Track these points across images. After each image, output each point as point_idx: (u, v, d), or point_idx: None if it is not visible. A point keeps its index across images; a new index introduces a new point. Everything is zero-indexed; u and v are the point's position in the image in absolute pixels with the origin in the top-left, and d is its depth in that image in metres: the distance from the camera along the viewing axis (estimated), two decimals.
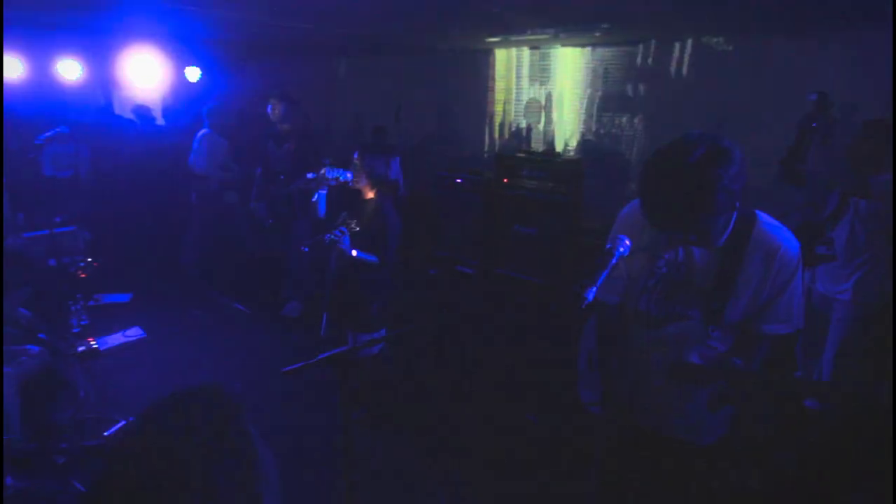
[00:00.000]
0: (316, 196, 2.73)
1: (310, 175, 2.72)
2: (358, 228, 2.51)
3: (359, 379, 2.96)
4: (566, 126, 5.20)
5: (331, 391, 3.00)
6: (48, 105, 5.47)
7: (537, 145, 5.14)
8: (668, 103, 4.66)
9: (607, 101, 5.06)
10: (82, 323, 3.70)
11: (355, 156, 2.54)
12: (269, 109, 3.91)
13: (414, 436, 2.81)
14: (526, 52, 5.51)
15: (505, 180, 4.94)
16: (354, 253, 2.41)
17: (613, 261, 1.14)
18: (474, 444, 2.74)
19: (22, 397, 2.47)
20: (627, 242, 1.19)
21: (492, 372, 3.44)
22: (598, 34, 4.01)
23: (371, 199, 2.56)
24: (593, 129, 5.20)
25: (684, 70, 4.50)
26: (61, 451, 2.51)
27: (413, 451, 2.70)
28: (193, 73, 5.43)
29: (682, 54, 4.49)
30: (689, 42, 4.40)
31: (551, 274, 4.69)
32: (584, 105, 5.19)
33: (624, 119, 5.00)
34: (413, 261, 5.32)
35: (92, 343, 3.47)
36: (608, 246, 1.18)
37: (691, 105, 4.52)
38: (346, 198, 2.65)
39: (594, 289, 1.07)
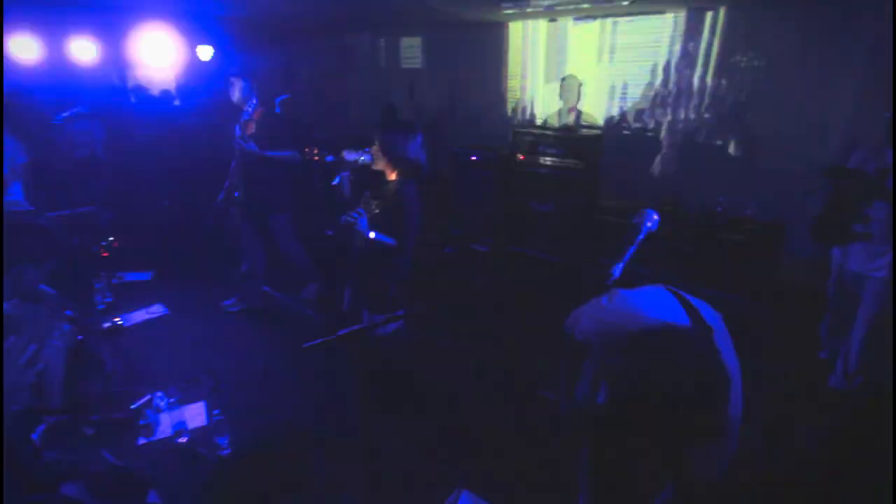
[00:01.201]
0: (337, 179, 2.69)
1: (329, 158, 2.68)
2: (378, 211, 2.48)
3: (375, 358, 2.98)
4: (585, 100, 5.07)
5: (350, 368, 3.06)
6: (64, 85, 5.51)
7: (554, 120, 5.03)
8: (695, 76, 4.51)
9: (629, 73, 4.91)
10: (107, 300, 3.78)
11: (376, 136, 2.50)
12: (230, 91, 3.51)
13: (429, 415, 2.84)
14: (543, 24, 5.36)
15: (521, 156, 4.86)
16: (372, 235, 2.38)
17: (641, 236, 1.11)
18: (490, 422, 2.76)
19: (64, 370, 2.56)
20: (655, 217, 1.16)
21: (506, 350, 3.45)
22: (624, 2, 3.84)
23: (393, 180, 2.52)
24: (614, 103, 5.08)
25: (715, 41, 4.31)
26: (91, 423, 2.59)
27: (428, 429, 2.73)
28: (205, 52, 5.40)
29: (713, 24, 4.28)
30: (722, 11, 4.21)
31: (569, 251, 4.65)
32: (604, 78, 5.05)
33: (646, 93, 4.86)
34: (428, 239, 5.30)
35: (117, 319, 3.56)
36: (634, 220, 1.14)
37: (721, 77, 4.36)
38: (370, 179, 2.61)
39: (621, 265, 1.04)
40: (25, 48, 4.46)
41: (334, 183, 2.71)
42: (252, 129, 3.50)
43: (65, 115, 4.92)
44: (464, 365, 3.29)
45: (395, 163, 2.47)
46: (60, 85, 5.57)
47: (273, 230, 3.71)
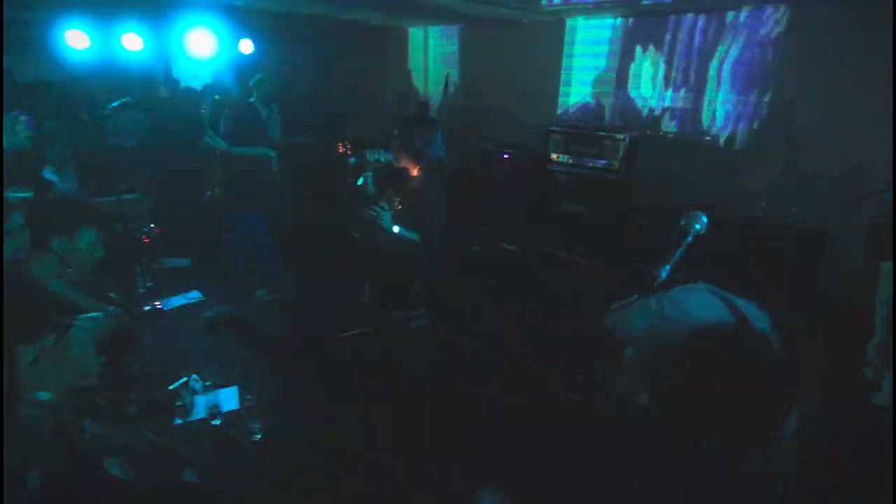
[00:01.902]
0: (361, 179, 2.74)
1: (351, 159, 2.73)
2: (400, 207, 2.50)
3: (395, 354, 3.00)
4: (623, 100, 4.99)
5: (369, 364, 3.09)
6: (113, 76, 5.73)
7: (590, 119, 4.96)
8: (742, 74, 4.36)
9: (669, 73, 4.80)
10: (147, 284, 3.92)
11: (395, 132, 2.52)
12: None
13: (449, 414, 2.84)
14: (580, 21, 5.28)
15: (555, 156, 4.82)
16: (396, 229, 2.41)
17: (689, 238, 1.08)
18: (518, 424, 2.75)
19: (98, 351, 2.67)
20: (704, 219, 1.13)
21: (533, 351, 3.42)
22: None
23: (416, 176, 2.54)
24: (654, 103, 4.96)
25: (770, 39, 4.15)
26: (131, 402, 2.70)
27: (448, 428, 2.73)
28: (247, 46, 5.51)
29: (776, 20, 4.08)
30: (782, 8, 4.04)
31: (602, 254, 4.58)
32: (644, 78, 4.94)
33: (690, 93, 4.73)
34: (456, 237, 5.31)
35: (156, 303, 3.68)
36: (682, 222, 1.12)
37: (771, 76, 4.20)
38: (394, 176, 2.64)
39: (668, 267, 1.02)
40: (78, 39, 4.67)
41: (359, 183, 2.75)
42: (225, 122, 3.37)
43: (114, 104, 5.13)
44: (487, 364, 3.28)
45: (415, 159, 2.49)
46: (110, 75, 5.80)
47: (233, 225, 3.53)
